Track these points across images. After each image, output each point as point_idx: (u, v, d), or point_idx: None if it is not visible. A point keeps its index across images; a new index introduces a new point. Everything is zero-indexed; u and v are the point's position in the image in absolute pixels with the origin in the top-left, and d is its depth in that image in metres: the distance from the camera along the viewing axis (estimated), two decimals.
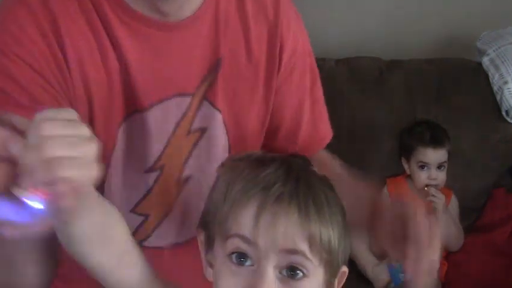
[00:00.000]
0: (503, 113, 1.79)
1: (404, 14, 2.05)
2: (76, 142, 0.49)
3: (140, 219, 0.85)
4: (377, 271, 1.68)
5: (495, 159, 1.81)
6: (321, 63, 1.89)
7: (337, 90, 1.82)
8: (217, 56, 0.80)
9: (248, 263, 0.58)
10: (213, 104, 0.82)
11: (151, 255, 0.64)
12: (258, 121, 0.88)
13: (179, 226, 0.88)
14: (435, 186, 1.73)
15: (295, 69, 0.90)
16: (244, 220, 0.57)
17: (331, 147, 1.84)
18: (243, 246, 0.57)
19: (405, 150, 1.77)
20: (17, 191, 0.50)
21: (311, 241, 0.57)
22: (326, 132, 1.04)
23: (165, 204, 0.86)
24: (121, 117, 0.77)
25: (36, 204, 0.50)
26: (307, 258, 0.57)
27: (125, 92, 0.75)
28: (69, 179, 0.48)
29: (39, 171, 0.48)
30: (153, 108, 0.77)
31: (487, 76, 1.83)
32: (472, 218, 1.83)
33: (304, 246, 0.57)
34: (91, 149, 0.50)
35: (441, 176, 1.72)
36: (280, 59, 0.86)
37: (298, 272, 0.58)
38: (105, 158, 0.77)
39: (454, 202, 1.77)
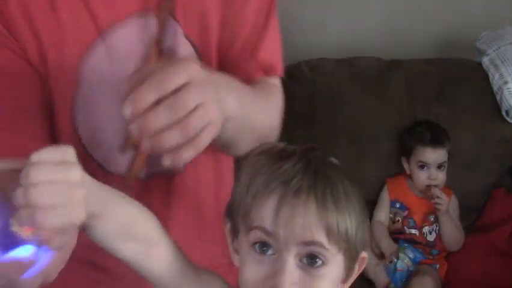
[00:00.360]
0: (503, 113, 1.79)
1: (404, 14, 2.05)
2: (61, 189, 0.52)
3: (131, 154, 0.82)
4: (377, 271, 1.68)
5: (495, 159, 1.81)
6: (321, 63, 1.90)
7: (337, 90, 1.82)
8: None
9: (270, 252, 0.61)
10: (175, 19, 0.79)
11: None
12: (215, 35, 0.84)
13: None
14: (435, 186, 1.73)
15: None
16: (265, 213, 0.61)
17: (331, 147, 1.84)
18: (265, 237, 0.61)
19: (406, 150, 1.77)
20: (13, 227, 0.54)
21: (329, 231, 0.60)
22: (277, 61, 0.91)
23: None
24: (79, 48, 0.75)
25: (30, 240, 0.55)
26: (325, 248, 0.60)
27: (79, 21, 0.73)
28: (50, 227, 0.52)
29: (25, 216, 0.52)
30: (116, 32, 0.75)
31: (487, 76, 1.83)
32: (472, 218, 1.83)
33: (322, 237, 0.60)
34: (76, 195, 0.53)
35: (441, 176, 1.73)
36: None
37: (317, 260, 0.61)
38: (68, 98, 0.76)
39: (454, 202, 1.78)
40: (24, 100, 0.75)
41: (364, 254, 0.67)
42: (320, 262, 0.61)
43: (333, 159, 0.67)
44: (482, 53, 1.87)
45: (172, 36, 0.79)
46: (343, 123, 1.79)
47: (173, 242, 0.67)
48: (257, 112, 0.76)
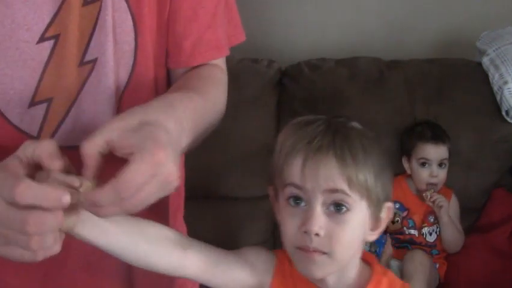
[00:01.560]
0: (503, 113, 1.79)
1: (404, 14, 2.05)
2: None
3: (43, 108, 0.75)
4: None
5: (495, 159, 1.81)
6: (321, 63, 1.90)
7: (337, 90, 1.82)
8: None
9: (302, 204, 0.72)
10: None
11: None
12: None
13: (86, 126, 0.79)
14: (436, 184, 1.73)
15: None
16: (295, 170, 0.71)
17: None
18: (295, 191, 0.71)
19: (406, 149, 1.77)
20: None
21: (349, 181, 0.70)
22: (222, 42, 0.86)
23: (67, 88, 0.75)
24: None
25: None
26: (347, 194, 0.70)
27: None
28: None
29: None
30: None
31: (487, 76, 1.83)
32: (472, 218, 1.83)
33: (343, 185, 0.70)
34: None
35: (442, 174, 1.73)
36: None
37: (342, 207, 0.71)
38: None
39: (454, 202, 1.78)
40: None
41: (389, 204, 0.76)
42: (344, 209, 0.70)
43: (354, 123, 0.77)
44: (482, 53, 1.87)
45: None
46: None
47: (198, 242, 0.74)
48: (204, 122, 0.76)
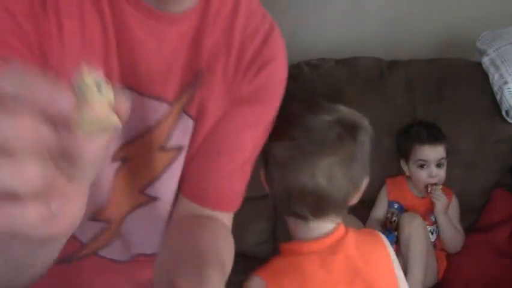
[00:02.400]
0: (503, 113, 1.80)
1: (404, 14, 2.05)
2: None
3: (102, 225, 0.80)
4: None
5: (495, 159, 1.82)
6: (321, 63, 1.90)
7: (337, 90, 1.82)
8: (198, 67, 0.75)
9: None
10: (191, 117, 0.78)
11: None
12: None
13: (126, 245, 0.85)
14: (435, 184, 1.73)
15: (257, 102, 0.83)
16: None
17: None
18: None
19: (404, 152, 1.77)
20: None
21: None
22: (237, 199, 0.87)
23: (126, 211, 0.81)
24: None
25: None
26: None
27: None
28: None
29: None
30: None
31: (487, 76, 1.83)
32: (472, 218, 1.83)
33: None
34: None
35: (441, 174, 1.73)
36: (251, 86, 0.81)
37: None
38: None
39: (454, 203, 1.78)
40: None
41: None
42: None
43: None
44: (482, 53, 1.87)
45: (187, 135, 0.78)
46: None
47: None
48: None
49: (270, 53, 0.80)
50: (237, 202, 0.87)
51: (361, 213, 1.79)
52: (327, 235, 1.02)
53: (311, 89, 1.82)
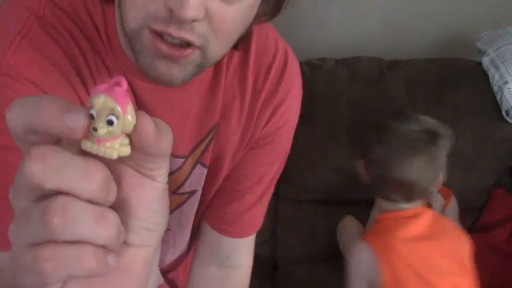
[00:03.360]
0: (503, 113, 1.79)
1: (404, 14, 2.05)
2: None
3: None
4: None
5: (495, 159, 1.81)
6: (321, 63, 1.90)
7: (337, 90, 1.82)
8: (214, 120, 0.75)
9: None
10: (205, 166, 0.79)
11: None
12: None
13: None
14: None
15: (275, 141, 0.85)
16: None
17: (331, 147, 1.84)
18: None
19: None
20: None
21: None
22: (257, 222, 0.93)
23: None
24: None
25: None
26: None
27: None
28: None
29: None
30: None
31: (487, 76, 1.83)
32: (472, 218, 1.83)
33: None
34: None
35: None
36: (265, 129, 0.82)
37: None
38: None
39: (453, 203, 1.77)
40: None
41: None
42: None
43: None
44: (482, 53, 1.87)
45: (200, 181, 0.80)
46: (343, 123, 1.79)
47: None
48: None
49: (285, 87, 0.80)
50: (258, 224, 0.92)
51: (361, 213, 1.79)
52: (411, 209, 1.41)
53: (311, 89, 1.82)
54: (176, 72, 0.58)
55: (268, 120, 0.80)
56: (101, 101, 0.34)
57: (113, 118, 0.34)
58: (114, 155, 0.34)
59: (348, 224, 1.76)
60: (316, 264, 1.75)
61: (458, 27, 2.06)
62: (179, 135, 0.72)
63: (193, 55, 0.57)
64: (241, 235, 0.90)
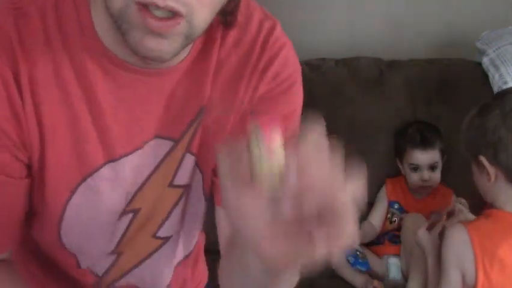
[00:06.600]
0: None
1: (404, 14, 2.05)
2: None
3: (113, 257, 0.81)
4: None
5: None
6: (321, 63, 1.90)
7: (337, 90, 1.82)
8: (201, 103, 0.73)
9: None
10: (193, 155, 0.76)
11: None
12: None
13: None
14: (429, 187, 1.73)
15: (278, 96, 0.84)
16: None
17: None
18: None
19: (398, 152, 1.77)
20: None
21: None
22: None
23: (139, 252, 0.83)
24: (84, 173, 0.70)
25: None
26: None
27: (94, 145, 0.69)
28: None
29: None
30: (129, 157, 0.71)
31: (487, 76, 1.83)
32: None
33: None
34: None
35: (434, 177, 1.73)
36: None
37: None
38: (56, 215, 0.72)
39: (453, 203, 1.77)
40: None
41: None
42: None
43: None
44: (482, 53, 1.87)
45: (192, 175, 0.78)
46: (343, 123, 1.79)
47: None
48: None
49: (275, 46, 0.78)
50: None
51: (361, 213, 1.79)
52: None
53: (311, 89, 1.82)
54: (166, 47, 0.58)
55: (260, 80, 0.77)
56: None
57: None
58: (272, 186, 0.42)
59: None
60: None
61: (458, 27, 2.06)
62: (165, 117, 0.71)
63: (181, 26, 0.58)
64: None
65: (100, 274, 0.82)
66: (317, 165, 0.44)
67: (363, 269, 1.65)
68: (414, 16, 2.05)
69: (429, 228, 1.50)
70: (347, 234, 0.43)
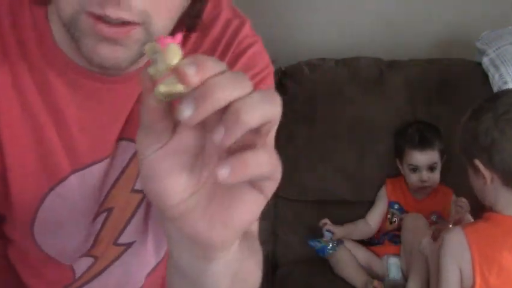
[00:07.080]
0: None
1: (404, 14, 2.05)
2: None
3: (90, 260, 0.80)
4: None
5: None
6: (321, 63, 1.90)
7: (337, 90, 1.82)
8: None
9: None
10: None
11: None
12: None
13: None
14: (428, 187, 1.73)
15: None
16: None
17: (331, 147, 1.84)
18: None
19: (398, 152, 1.77)
20: None
21: None
22: None
23: (112, 253, 0.82)
24: (51, 183, 0.69)
25: None
26: None
27: (60, 155, 0.68)
28: None
29: None
30: (96, 166, 0.70)
31: (487, 76, 1.83)
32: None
33: None
34: None
35: (433, 178, 1.72)
36: None
37: None
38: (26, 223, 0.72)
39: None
40: None
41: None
42: None
43: None
44: (482, 53, 1.87)
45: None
46: (343, 123, 1.79)
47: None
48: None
49: (242, 44, 0.75)
50: None
51: (361, 213, 1.79)
52: None
53: (311, 89, 1.83)
54: (121, 54, 0.55)
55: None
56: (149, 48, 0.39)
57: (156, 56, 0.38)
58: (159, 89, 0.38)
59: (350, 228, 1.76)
60: (316, 264, 1.75)
61: (458, 27, 2.06)
62: (130, 119, 0.69)
63: (136, 33, 0.54)
64: None
65: (78, 276, 0.81)
66: (218, 74, 0.38)
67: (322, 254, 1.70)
68: (414, 16, 2.05)
69: (434, 237, 1.49)
70: (256, 161, 0.39)
